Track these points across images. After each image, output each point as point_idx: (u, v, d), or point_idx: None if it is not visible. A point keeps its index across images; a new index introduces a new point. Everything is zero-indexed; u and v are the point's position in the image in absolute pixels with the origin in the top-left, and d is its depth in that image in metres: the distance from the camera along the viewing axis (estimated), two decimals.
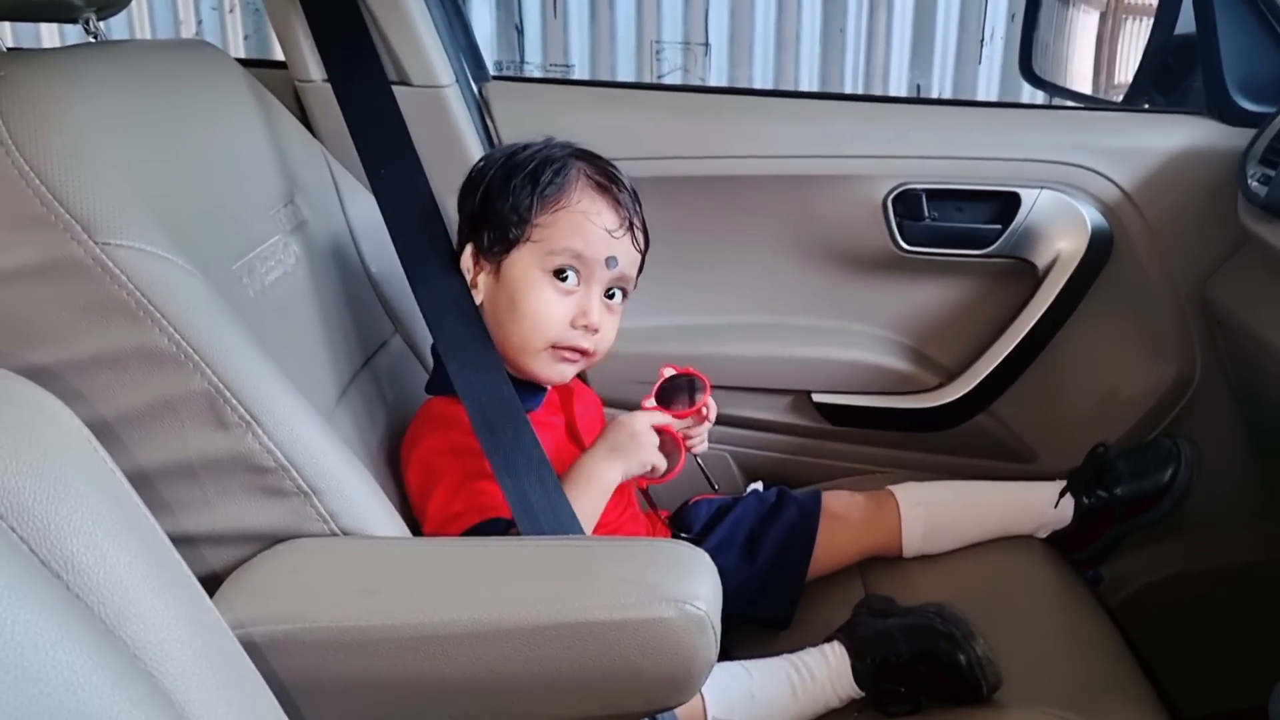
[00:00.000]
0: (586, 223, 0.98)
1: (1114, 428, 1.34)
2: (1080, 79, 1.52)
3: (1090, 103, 1.51)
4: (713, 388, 1.06)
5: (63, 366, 0.70)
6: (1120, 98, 1.43)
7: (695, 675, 0.70)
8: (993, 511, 1.20)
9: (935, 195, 1.31)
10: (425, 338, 1.09)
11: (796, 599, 1.13)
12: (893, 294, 1.38)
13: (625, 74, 3.43)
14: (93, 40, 0.95)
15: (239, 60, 1.09)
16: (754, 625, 1.12)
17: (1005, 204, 1.30)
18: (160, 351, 0.71)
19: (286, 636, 0.69)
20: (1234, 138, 1.24)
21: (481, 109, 1.34)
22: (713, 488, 1.11)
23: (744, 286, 1.40)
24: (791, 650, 1.01)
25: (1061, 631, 1.06)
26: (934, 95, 3.39)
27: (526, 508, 0.89)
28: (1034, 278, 1.32)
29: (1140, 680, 1.00)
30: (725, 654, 0.89)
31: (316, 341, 0.99)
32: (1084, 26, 1.51)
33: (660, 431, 1.00)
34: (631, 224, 1.01)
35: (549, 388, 1.06)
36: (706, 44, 3.38)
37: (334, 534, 0.77)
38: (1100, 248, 1.29)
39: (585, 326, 0.99)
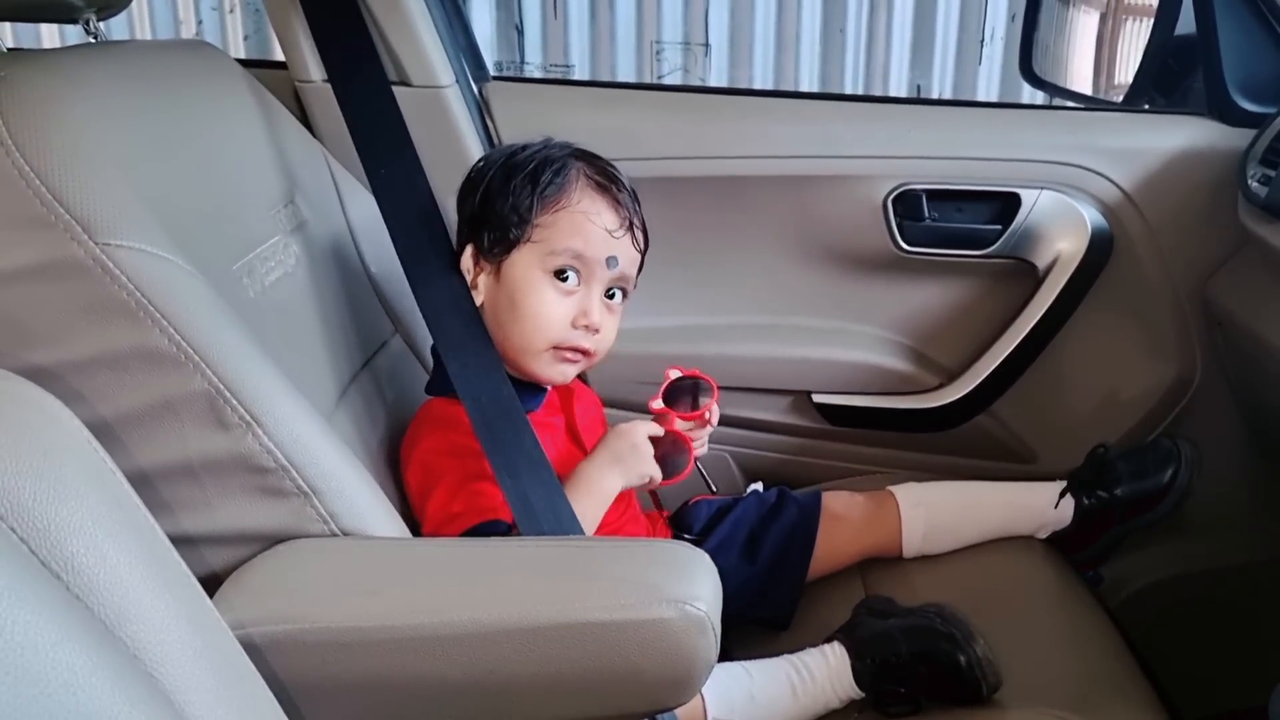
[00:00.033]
0: (587, 223, 0.98)
1: (1114, 428, 1.34)
2: (1080, 79, 1.52)
3: (1090, 103, 1.51)
4: (688, 372, 1.06)
5: (63, 367, 0.70)
6: (1120, 98, 1.43)
7: (695, 676, 0.70)
8: (993, 512, 1.20)
9: (935, 196, 1.31)
10: (425, 338, 1.09)
11: (796, 599, 1.13)
12: (893, 294, 1.38)
13: (625, 74, 3.43)
14: (93, 41, 0.95)
15: (239, 60, 1.09)
16: (754, 626, 1.12)
17: (1005, 204, 1.30)
18: (160, 352, 0.71)
19: (286, 637, 0.69)
20: (1234, 138, 1.24)
21: (481, 109, 1.34)
22: (711, 490, 1.11)
23: (744, 287, 1.40)
24: (792, 651, 1.01)
25: (1062, 632, 1.06)
26: (934, 96, 3.38)
27: (527, 508, 0.89)
28: (1034, 278, 1.32)
29: (1140, 681, 1.00)
30: (725, 654, 0.89)
31: (317, 342, 0.99)
32: (1084, 27, 1.51)
33: (669, 434, 1.00)
34: (631, 224, 1.01)
35: (549, 388, 1.06)
36: (707, 44, 3.38)
37: (334, 534, 0.77)
38: (1100, 248, 1.29)
39: (586, 326, 0.99)
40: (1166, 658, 1.17)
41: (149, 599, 0.53)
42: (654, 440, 0.99)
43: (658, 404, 1.04)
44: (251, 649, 0.66)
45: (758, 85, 3.38)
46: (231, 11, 3.44)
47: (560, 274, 0.98)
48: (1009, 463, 1.39)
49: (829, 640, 1.01)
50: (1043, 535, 1.21)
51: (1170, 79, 1.34)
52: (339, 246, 1.10)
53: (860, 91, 3.36)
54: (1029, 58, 1.48)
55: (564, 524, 0.90)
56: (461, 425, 0.94)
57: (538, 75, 3.36)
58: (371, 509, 0.80)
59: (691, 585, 0.70)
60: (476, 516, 0.92)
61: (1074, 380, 1.36)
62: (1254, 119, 1.23)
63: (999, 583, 1.13)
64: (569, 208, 0.99)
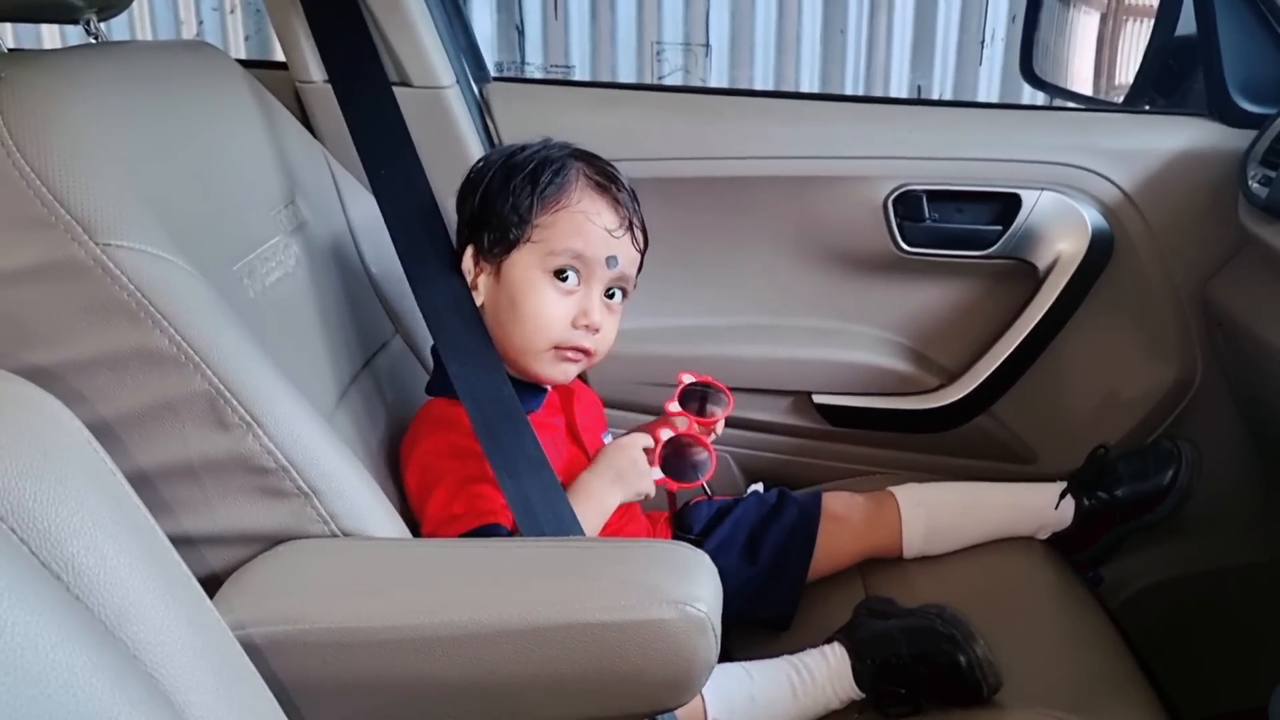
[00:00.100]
0: (586, 222, 0.98)
1: (1115, 429, 1.34)
2: (1081, 80, 1.52)
3: (1091, 104, 1.51)
4: (700, 378, 1.07)
5: (63, 367, 0.70)
6: (1121, 99, 1.43)
7: (696, 676, 0.70)
8: (993, 513, 1.20)
9: (936, 196, 1.31)
10: (426, 338, 1.09)
11: (797, 600, 1.13)
12: (893, 295, 1.38)
13: (626, 75, 3.43)
14: (93, 41, 0.95)
15: (240, 61, 1.09)
16: (754, 626, 1.12)
17: (1006, 205, 1.30)
18: (161, 352, 0.71)
19: (287, 637, 0.69)
20: (1235, 139, 1.24)
21: (482, 110, 1.34)
22: (709, 495, 1.11)
23: (745, 287, 1.40)
24: (792, 651, 1.01)
25: (1062, 633, 1.06)
26: (935, 96, 3.38)
27: (527, 509, 0.89)
28: (1034, 279, 1.32)
29: (1140, 681, 1.00)
30: (726, 655, 0.89)
31: (317, 342, 0.99)
32: (1085, 28, 1.51)
33: (686, 437, 1.01)
34: (631, 223, 1.01)
35: (549, 388, 1.06)
36: (707, 45, 3.38)
37: (334, 535, 0.77)
38: (1101, 249, 1.29)
39: (586, 326, 0.99)
40: (1167, 658, 1.17)
41: (149, 600, 0.53)
42: (669, 442, 1.00)
43: (674, 405, 1.05)
44: (252, 649, 0.66)
45: (758, 86, 3.38)
46: (232, 12, 3.44)
47: (560, 274, 0.99)
48: (1009, 463, 1.39)
49: (829, 641, 1.01)
50: (1043, 536, 1.21)
51: (1171, 80, 1.34)
52: (339, 247, 1.10)
53: (861, 92, 3.36)
54: (1029, 58, 1.48)
55: (564, 524, 0.90)
56: (461, 426, 0.94)
57: (538, 76, 3.36)
58: (372, 509, 0.81)
59: (692, 586, 0.70)
60: (476, 519, 0.92)
61: (1074, 381, 1.36)
62: (1254, 120, 1.23)
63: (999, 584, 1.13)
64: (569, 208, 0.99)
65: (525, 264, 0.99)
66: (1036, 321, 1.31)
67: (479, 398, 0.94)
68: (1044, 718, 0.91)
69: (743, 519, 1.17)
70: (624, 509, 1.07)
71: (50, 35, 2.89)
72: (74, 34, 0.95)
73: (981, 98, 3.33)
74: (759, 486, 1.28)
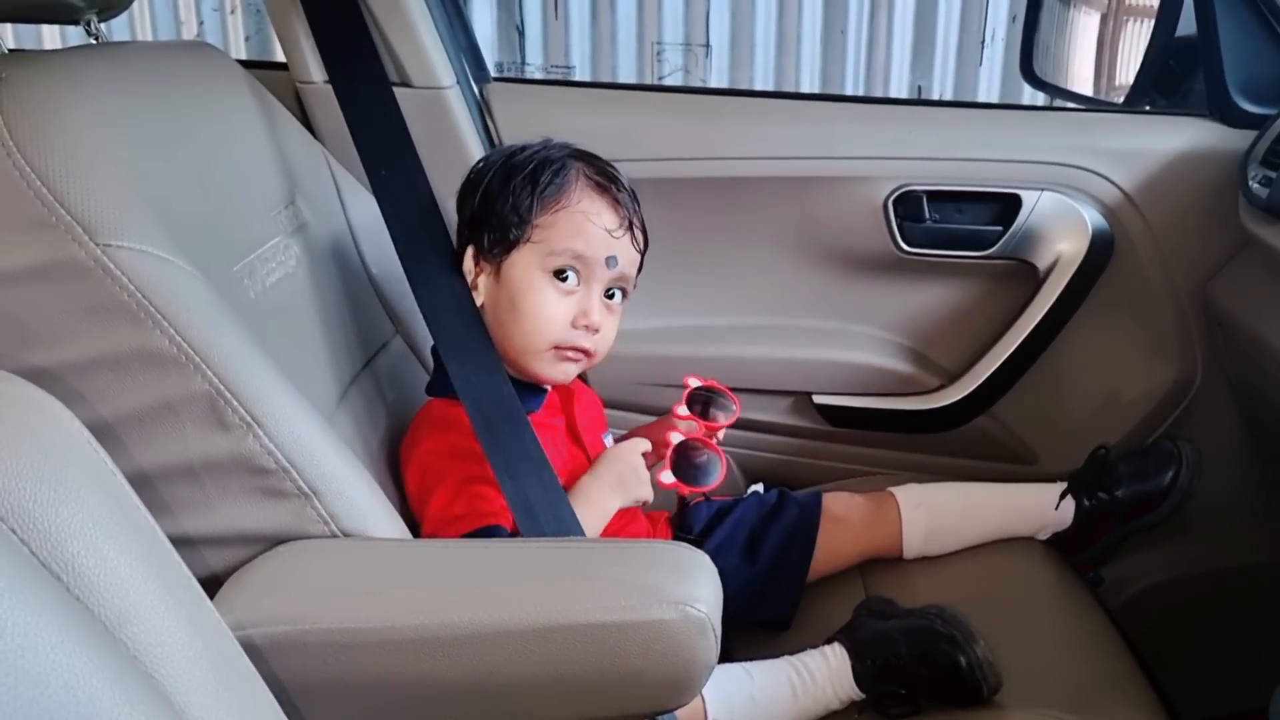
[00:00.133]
0: (586, 223, 0.99)
1: (1115, 429, 1.34)
2: (1081, 81, 1.52)
3: (1091, 104, 1.51)
4: (706, 382, 1.07)
5: (63, 368, 0.70)
6: (1121, 99, 1.43)
7: (696, 677, 0.70)
8: (993, 513, 1.20)
9: (936, 197, 1.31)
10: (426, 339, 1.10)
11: (797, 600, 1.13)
12: (893, 295, 1.38)
13: (626, 75, 3.43)
14: (94, 42, 0.95)
15: (240, 61, 1.09)
16: (755, 627, 1.12)
17: (1006, 205, 1.30)
18: (161, 353, 0.71)
19: (287, 638, 0.69)
20: (1235, 139, 1.24)
21: (482, 110, 1.34)
22: (706, 496, 1.11)
23: (745, 288, 1.40)
24: (792, 652, 1.01)
25: (1062, 633, 1.06)
26: (935, 97, 3.38)
27: (527, 509, 0.89)
28: (1035, 279, 1.32)
29: (1141, 682, 1.00)
30: (726, 656, 0.89)
31: (317, 343, 0.99)
32: (1085, 28, 1.51)
33: (696, 441, 1.02)
34: (631, 224, 1.01)
35: (549, 388, 1.06)
36: (707, 45, 3.38)
37: (335, 535, 0.77)
38: (1101, 249, 1.29)
39: (586, 326, 0.99)
40: (1167, 659, 1.17)
41: (149, 600, 0.53)
42: (679, 447, 1.00)
43: (682, 409, 1.05)
44: (252, 650, 0.66)
45: (758, 86, 3.38)
46: (233, 12, 3.44)
47: (560, 274, 0.99)
48: (1010, 464, 1.39)
49: (829, 641, 1.01)
50: (1043, 536, 1.21)
51: (1171, 80, 1.34)
52: (340, 247, 1.10)
53: (861, 93, 3.36)
54: (1030, 59, 1.48)
55: (564, 525, 0.90)
56: (462, 426, 0.94)
57: (538, 76, 3.36)
58: (372, 510, 0.81)
59: (692, 586, 0.70)
60: (478, 521, 0.92)
61: (1075, 381, 1.36)
62: (1255, 120, 1.23)
63: (1000, 584, 1.13)
64: (568, 208, 0.99)
65: (525, 264, 0.99)
66: (1037, 322, 1.31)
67: (479, 398, 0.94)
68: (1044, 718, 0.91)
69: (743, 519, 1.17)
70: (624, 509, 1.07)
71: (51, 36, 2.89)
72: (74, 34, 0.95)
73: (982, 98, 3.33)
74: (759, 487, 1.28)
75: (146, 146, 0.84)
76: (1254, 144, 1.20)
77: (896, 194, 1.30)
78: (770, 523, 1.16)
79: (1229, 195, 1.22)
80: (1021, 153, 1.30)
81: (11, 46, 0.83)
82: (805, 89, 3.38)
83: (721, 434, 1.08)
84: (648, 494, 1.02)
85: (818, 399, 1.38)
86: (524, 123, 1.30)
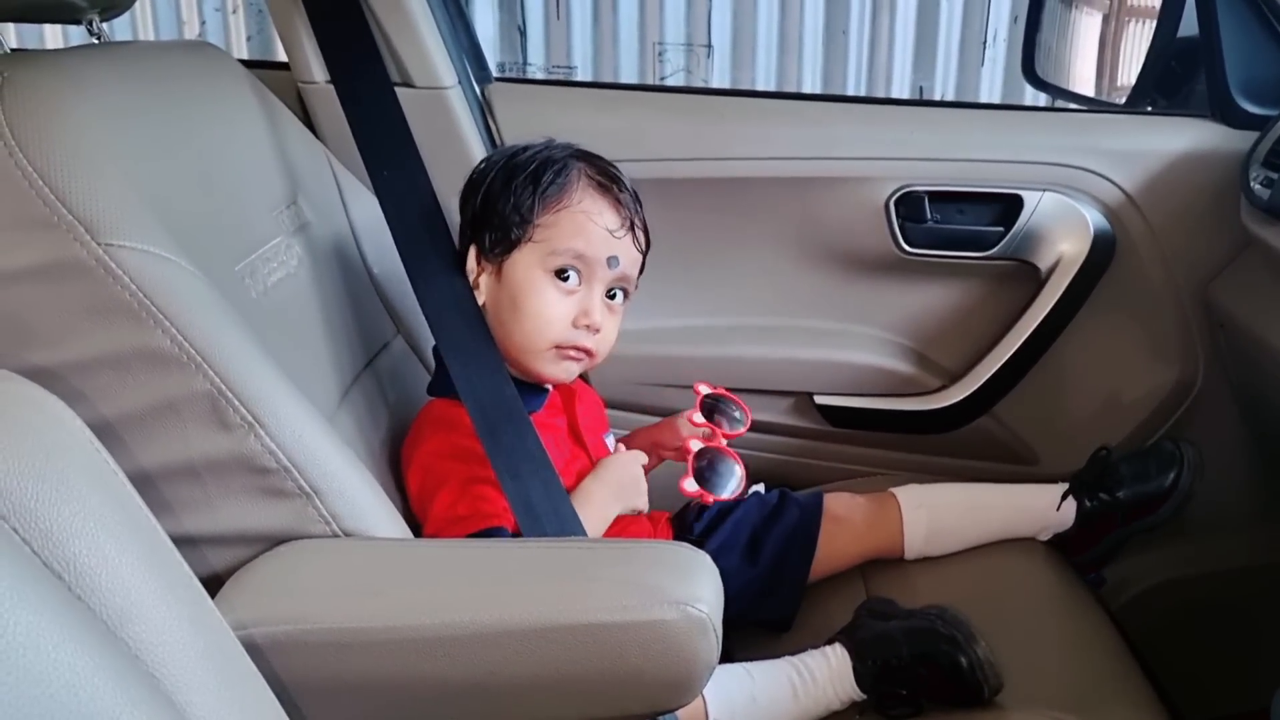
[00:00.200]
0: (588, 223, 0.99)
1: (1116, 430, 1.34)
2: (1083, 81, 1.52)
3: (1093, 105, 1.51)
4: (715, 389, 1.07)
5: (65, 367, 0.70)
6: (1123, 100, 1.43)
7: (697, 677, 0.70)
8: (995, 514, 1.20)
9: (937, 197, 1.31)
10: (427, 339, 1.10)
11: (798, 601, 1.13)
12: (895, 296, 1.38)
13: (628, 76, 3.43)
14: (96, 41, 0.95)
15: (242, 61, 1.09)
16: (755, 627, 1.12)
17: (1008, 206, 1.30)
18: (163, 353, 0.71)
19: (288, 637, 0.69)
20: (1237, 140, 1.24)
21: (484, 110, 1.34)
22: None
23: (746, 288, 1.40)
24: (793, 652, 1.01)
25: (1063, 634, 1.06)
26: (936, 97, 3.38)
27: (529, 509, 0.89)
28: (1036, 280, 1.32)
29: (1142, 683, 1.00)
30: (727, 656, 0.89)
31: (319, 343, 1.00)
32: (1087, 29, 1.51)
33: (713, 448, 1.03)
34: (633, 224, 1.01)
35: (551, 388, 1.07)
36: (709, 46, 3.38)
37: (336, 535, 0.77)
38: (1103, 250, 1.29)
39: (587, 326, 0.99)
40: (1168, 660, 1.17)
41: (151, 599, 0.53)
42: (699, 454, 1.02)
43: (698, 417, 1.07)
44: (253, 649, 0.66)
45: (760, 87, 3.38)
46: (234, 12, 3.45)
47: (561, 274, 0.99)
48: (1011, 464, 1.39)
49: (830, 642, 1.00)
50: (1044, 537, 1.21)
51: (1173, 81, 1.34)
52: (341, 247, 1.10)
53: (863, 93, 3.36)
54: (1031, 59, 1.48)
55: (566, 525, 0.90)
56: (463, 426, 0.94)
57: (540, 76, 3.36)
58: (373, 510, 0.81)
59: (693, 587, 0.70)
60: (481, 522, 0.92)
61: (1076, 382, 1.36)
62: (1256, 121, 1.23)
63: (1001, 585, 1.13)
64: (570, 208, 0.99)
65: (527, 264, 0.99)
66: (1038, 323, 1.31)
67: (481, 398, 0.94)
68: (1045, 719, 0.91)
69: (744, 520, 1.17)
70: None
71: (53, 35, 2.89)
72: (76, 34, 0.95)
73: (984, 99, 3.33)
74: (760, 487, 1.28)
75: (148, 146, 0.84)
76: (1255, 145, 1.20)
77: (898, 194, 1.30)
78: (771, 523, 1.16)
79: (1230, 196, 1.22)
80: (1023, 153, 1.30)
81: (14, 46, 0.83)
82: (807, 89, 3.38)
83: (721, 439, 1.08)
84: (644, 503, 1.04)
85: (819, 399, 1.38)
86: (525, 123, 1.30)
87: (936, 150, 1.31)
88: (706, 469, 1.02)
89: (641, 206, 1.04)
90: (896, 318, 1.39)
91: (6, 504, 0.49)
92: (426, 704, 0.71)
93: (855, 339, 1.39)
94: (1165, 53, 1.31)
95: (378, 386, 1.07)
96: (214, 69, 1.03)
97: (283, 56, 1.26)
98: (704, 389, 1.10)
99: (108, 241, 0.70)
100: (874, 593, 1.13)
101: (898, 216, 1.31)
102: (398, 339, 1.15)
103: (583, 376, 1.10)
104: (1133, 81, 1.37)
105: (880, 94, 3.35)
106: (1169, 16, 1.30)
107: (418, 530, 0.94)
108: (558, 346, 1.00)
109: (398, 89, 1.12)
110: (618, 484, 1.02)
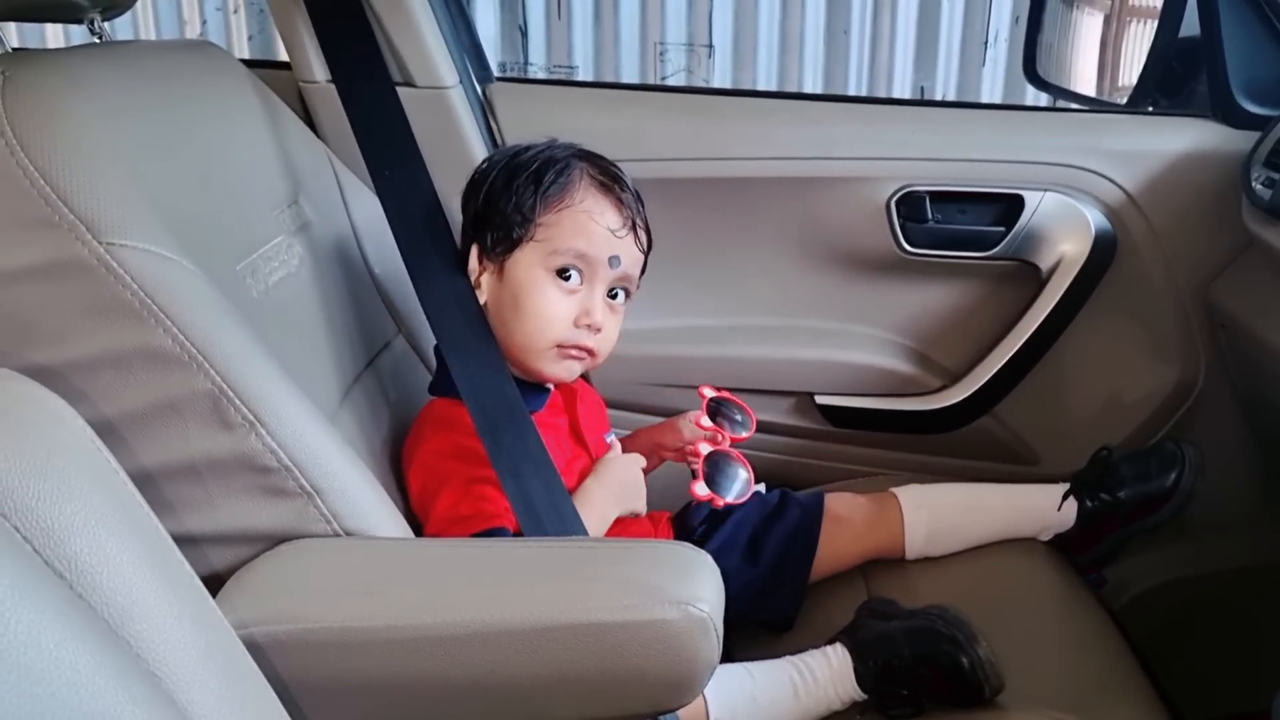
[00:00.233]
0: (590, 222, 0.99)
1: (1118, 431, 1.34)
2: (1084, 81, 1.52)
3: (1094, 105, 1.51)
4: (720, 392, 1.08)
5: (67, 366, 0.70)
6: (1124, 100, 1.43)
7: (698, 677, 0.70)
8: (996, 514, 1.20)
9: (939, 197, 1.31)
10: (428, 338, 1.10)
11: (799, 601, 1.13)
12: (896, 296, 1.38)
13: (629, 75, 3.43)
14: (97, 41, 0.95)
15: (243, 61, 1.09)
16: (756, 627, 1.12)
17: (1009, 206, 1.30)
18: (164, 352, 0.71)
19: (289, 637, 0.69)
20: (1238, 140, 1.24)
21: (485, 110, 1.34)
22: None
23: (747, 288, 1.40)
24: (794, 652, 1.01)
25: (1064, 634, 1.06)
26: (938, 97, 3.38)
27: (530, 509, 0.89)
28: (1037, 280, 1.32)
29: (1143, 683, 1.00)
30: (728, 656, 0.89)
31: (320, 342, 1.00)
32: (1088, 29, 1.51)
33: (721, 452, 1.03)
34: (634, 224, 1.01)
35: (552, 388, 1.07)
36: (710, 45, 3.38)
37: (337, 534, 0.77)
38: (1104, 250, 1.29)
39: (589, 325, 0.99)
40: (1169, 661, 1.17)
41: (152, 598, 0.53)
42: (709, 458, 1.02)
43: (705, 420, 1.07)
44: (254, 649, 0.66)
45: (761, 86, 3.38)
46: (236, 12, 3.45)
47: (563, 273, 0.99)
48: (1012, 465, 1.39)
49: (831, 642, 1.00)
50: (1046, 538, 1.21)
51: (1174, 81, 1.34)
52: (342, 247, 1.10)
53: (864, 93, 3.36)
54: (1033, 59, 1.48)
55: (567, 524, 0.90)
56: (464, 426, 0.94)
57: (541, 76, 3.36)
58: (375, 509, 0.81)
59: (694, 586, 0.70)
60: (483, 522, 0.92)
61: (1077, 382, 1.36)
62: (1258, 121, 1.23)
63: (1002, 585, 1.13)
64: (572, 207, 0.99)
65: (528, 263, 0.99)
66: (1039, 323, 1.31)
67: (481, 397, 0.94)
68: (1046, 719, 0.91)
69: (745, 520, 1.17)
70: None
71: (54, 35, 2.90)
72: (78, 34, 0.96)
73: (985, 99, 3.33)
74: (761, 487, 1.28)
75: (150, 145, 0.84)
76: (1257, 145, 1.20)
77: (899, 194, 1.30)
78: (772, 523, 1.16)
79: (1232, 196, 1.22)
80: (1024, 153, 1.30)
81: (15, 45, 0.83)
82: (808, 89, 3.37)
83: (725, 442, 1.08)
84: (643, 506, 1.05)
85: (820, 399, 1.38)
86: (527, 123, 1.31)
87: (938, 150, 1.31)
88: (715, 472, 1.02)
89: (643, 206, 1.04)
90: (897, 318, 1.39)
91: (8, 502, 0.49)
92: (428, 703, 0.71)
93: (856, 339, 1.39)
94: (1166, 53, 1.31)
95: (379, 386, 1.07)
96: (215, 68, 1.03)
97: (284, 56, 1.26)
98: (709, 391, 1.10)
99: (109, 241, 0.70)
100: (875, 593, 1.13)
101: (899, 216, 1.31)
102: (399, 338, 1.15)
103: (584, 376, 1.10)
104: (1134, 81, 1.37)
105: (881, 94, 3.35)
106: (1170, 16, 1.30)
107: (418, 530, 0.94)
108: (559, 346, 1.00)
109: (399, 88, 1.12)
110: (618, 485, 1.03)
